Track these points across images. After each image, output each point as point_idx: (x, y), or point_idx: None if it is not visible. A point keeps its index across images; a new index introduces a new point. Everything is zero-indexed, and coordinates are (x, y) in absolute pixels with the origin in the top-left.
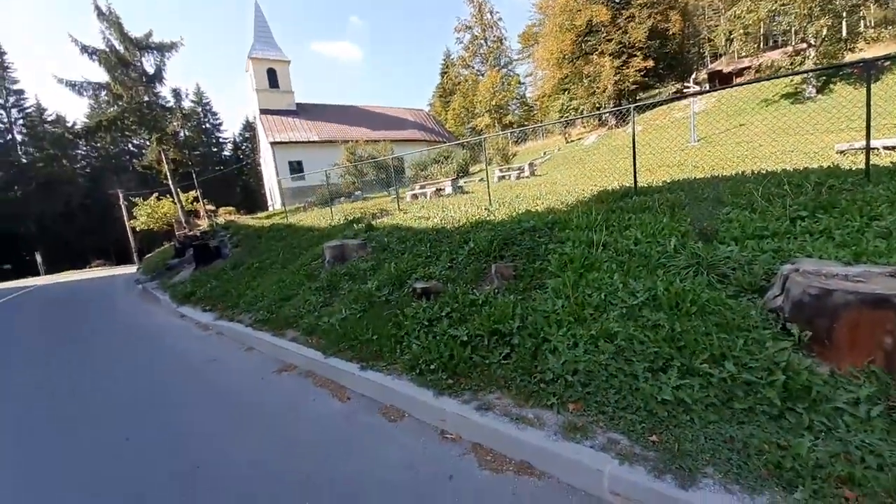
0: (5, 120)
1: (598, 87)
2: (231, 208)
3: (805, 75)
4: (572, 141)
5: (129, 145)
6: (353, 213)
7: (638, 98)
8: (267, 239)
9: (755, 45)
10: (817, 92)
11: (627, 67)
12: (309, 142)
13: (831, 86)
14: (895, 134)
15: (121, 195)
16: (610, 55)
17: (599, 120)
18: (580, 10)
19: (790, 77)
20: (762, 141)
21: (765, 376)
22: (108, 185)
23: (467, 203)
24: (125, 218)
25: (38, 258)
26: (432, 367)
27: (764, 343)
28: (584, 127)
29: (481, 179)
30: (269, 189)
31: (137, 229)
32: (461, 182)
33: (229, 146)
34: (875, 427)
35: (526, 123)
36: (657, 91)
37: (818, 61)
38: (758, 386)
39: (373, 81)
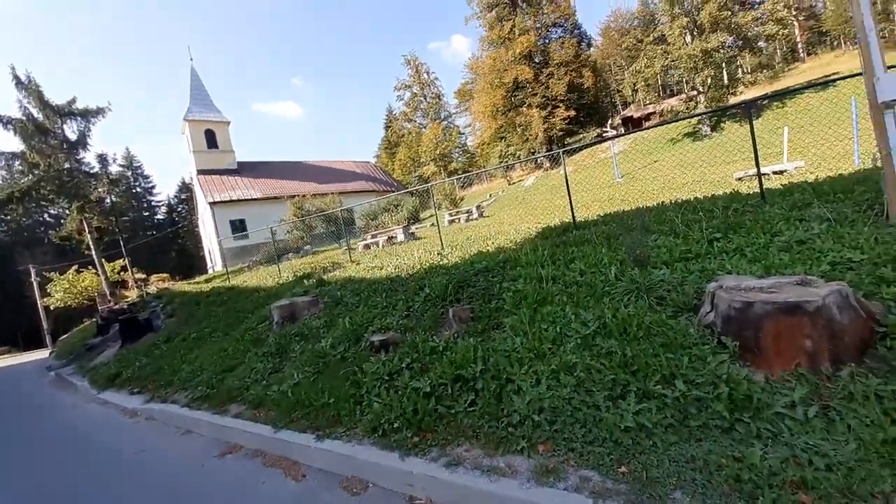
0: None
1: (530, 135)
2: (164, 275)
3: (700, 117)
4: (514, 183)
5: (45, 216)
6: (302, 268)
7: (566, 143)
8: (206, 304)
9: (656, 94)
10: (712, 130)
11: (553, 117)
12: (251, 199)
13: (722, 125)
14: (779, 161)
15: (32, 271)
16: (537, 107)
17: (536, 163)
18: (507, 70)
19: (688, 119)
20: (673, 174)
21: (711, 391)
22: (20, 262)
23: (420, 249)
24: (37, 296)
25: None
26: (396, 425)
27: (705, 358)
28: (523, 170)
29: (432, 224)
30: (208, 251)
31: (52, 307)
32: (413, 228)
33: (163, 209)
34: (815, 427)
35: (470, 169)
36: (581, 136)
37: (707, 105)
38: (707, 401)
39: (318, 138)
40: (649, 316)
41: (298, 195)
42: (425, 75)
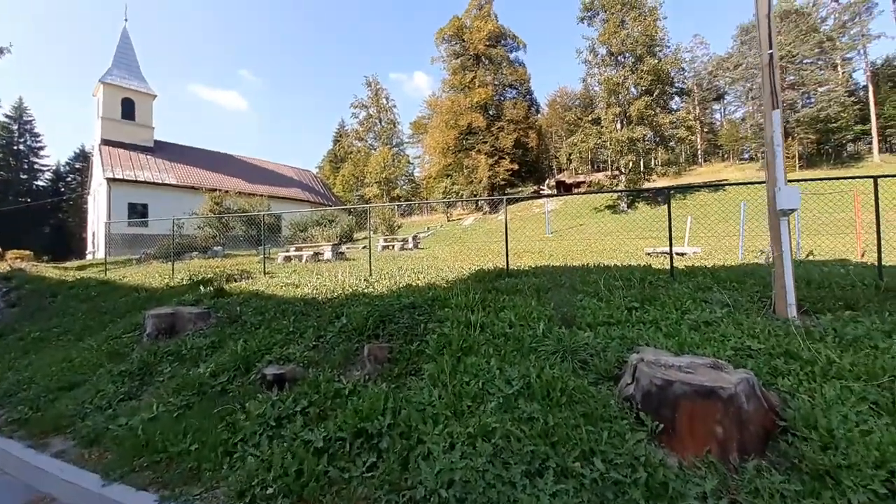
0: None
1: (475, 178)
2: (27, 252)
3: (620, 194)
4: (453, 220)
5: None
6: (202, 271)
7: (506, 192)
8: (66, 298)
9: (587, 167)
10: (628, 207)
11: (499, 166)
12: (162, 184)
13: (636, 204)
14: (680, 245)
15: None
16: (485, 154)
17: (476, 205)
18: (462, 114)
19: (610, 193)
20: (595, 239)
21: (629, 473)
22: None
23: (346, 271)
24: None
25: None
26: (270, 490)
27: (624, 435)
28: (464, 209)
29: (364, 247)
30: (91, 233)
31: None
32: (343, 248)
33: (48, 175)
34: None
35: (413, 199)
36: (520, 189)
37: (628, 185)
38: (624, 486)
39: (260, 137)
40: (573, 380)
41: (221, 189)
42: (384, 100)
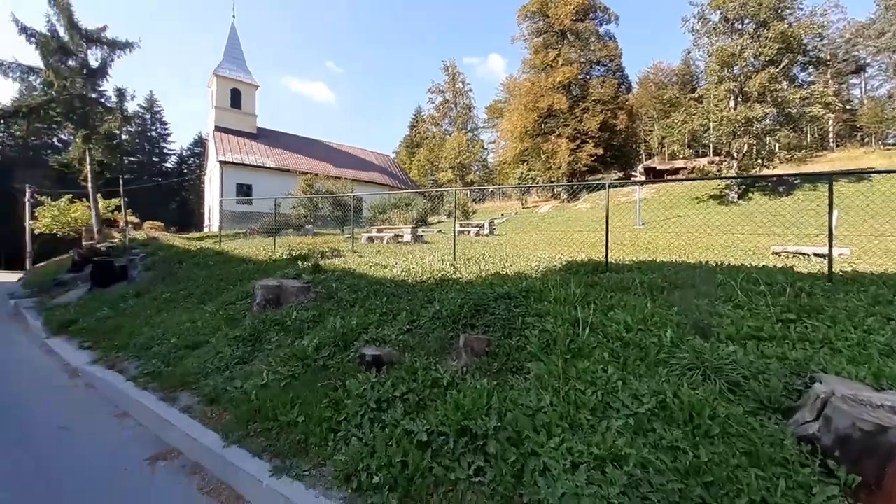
0: None
1: (554, 164)
2: (159, 224)
3: (731, 181)
4: (528, 208)
5: (55, 139)
6: (299, 247)
7: (586, 179)
8: (189, 265)
9: (689, 151)
10: (739, 197)
11: (581, 151)
12: (262, 167)
13: (750, 194)
14: (820, 243)
15: (28, 191)
16: (566, 138)
17: (552, 192)
18: (543, 96)
19: (716, 181)
20: (699, 232)
21: None
22: (17, 179)
23: (428, 254)
24: (27, 217)
25: None
26: (376, 479)
27: (810, 488)
28: (539, 196)
29: (440, 231)
30: (208, 209)
31: (37, 232)
32: (420, 231)
33: (174, 159)
34: None
35: (485, 185)
36: (601, 176)
37: (740, 171)
38: None
39: (342, 122)
40: (724, 407)
41: (311, 173)
42: (460, 84)
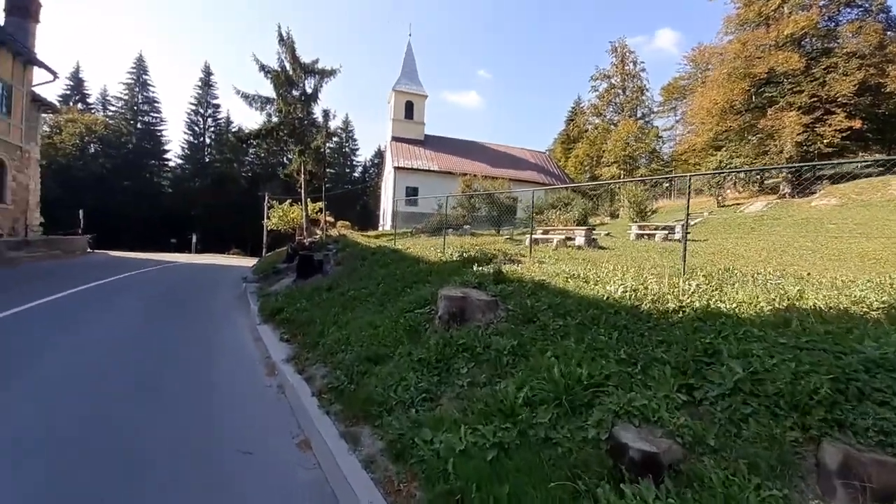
0: (201, 126)
1: (773, 146)
2: (347, 223)
3: None
4: (726, 206)
5: (284, 158)
6: (467, 249)
7: (831, 160)
8: (370, 262)
9: None
10: None
11: (823, 125)
12: (428, 170)
13: None
14: None
15: (266, 197)
16: (798, 109)
17: (761, 186)
18: (761, 57)
19: None
20: None
21: None
22: (262, 190)
23: (623, 262)
24: (264, 217)
25: (194, 238)
26: None
27: None
28: (739, 192)
29: (608, 234)
30: (383, 210)
31: (269, 228)
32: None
33: (359, 169)
34: None
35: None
36: (855, 158)
37: None
38: None
39: (493, 125)
40: None
41: (470, 174)
42: (631, 65)
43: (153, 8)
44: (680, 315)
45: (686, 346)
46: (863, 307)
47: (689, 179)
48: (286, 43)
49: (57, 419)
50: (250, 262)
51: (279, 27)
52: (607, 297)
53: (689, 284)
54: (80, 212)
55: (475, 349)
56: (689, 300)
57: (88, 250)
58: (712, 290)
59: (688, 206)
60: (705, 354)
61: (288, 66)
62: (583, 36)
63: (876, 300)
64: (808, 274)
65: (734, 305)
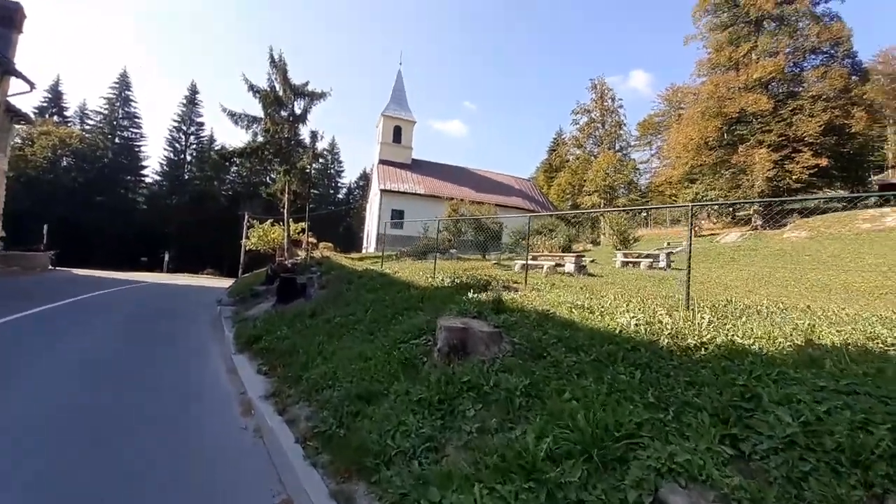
0: (183, 143)
1: (745, 181)
2: (330, 244)
3: None
4: (701, 235)
5: (268, 178)
6: (458, 274)
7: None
8: (357, 286)
9: None
10: None
11: (792, 163)
12: (415, 194)
13: None
14: None
15: (246, 216)
16: (768, 147)
17: (733, 218)
18: (732, 98)
19: None
20: None
21: None
22: (242, 207)
23: (620, 291)
24: (243, 236)
25: (167, 257)
26: None
27: None
28: (715, 222)
29: (593, 260)
30: (367, 232)
31: (248, 248)
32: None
33: (343, 191)
34: None
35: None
36: (814, 193)
37: None
38: None
39: (477, 153)
40: None
41: (456, 198)
42: (608, 102)
43: (144, 20)
44: (703, 352)
45: (720, 389)
46: (878, 343)
47: (691, 209)
48: (278, 65)
49: None
50: (226, 283)
51: (271, 50)
52: (620, 331)
53: (703, 318)
54: (45, 227)
55: (482, 388)
56: (708, 335)
57: (50, 267)
58: (723, 324)
59: (690, 236)
60: (743, 399)
61: (278, 86)
62: (560, 70)
63: (889, 336)
64: (809, 307)
65: (751, 342)
